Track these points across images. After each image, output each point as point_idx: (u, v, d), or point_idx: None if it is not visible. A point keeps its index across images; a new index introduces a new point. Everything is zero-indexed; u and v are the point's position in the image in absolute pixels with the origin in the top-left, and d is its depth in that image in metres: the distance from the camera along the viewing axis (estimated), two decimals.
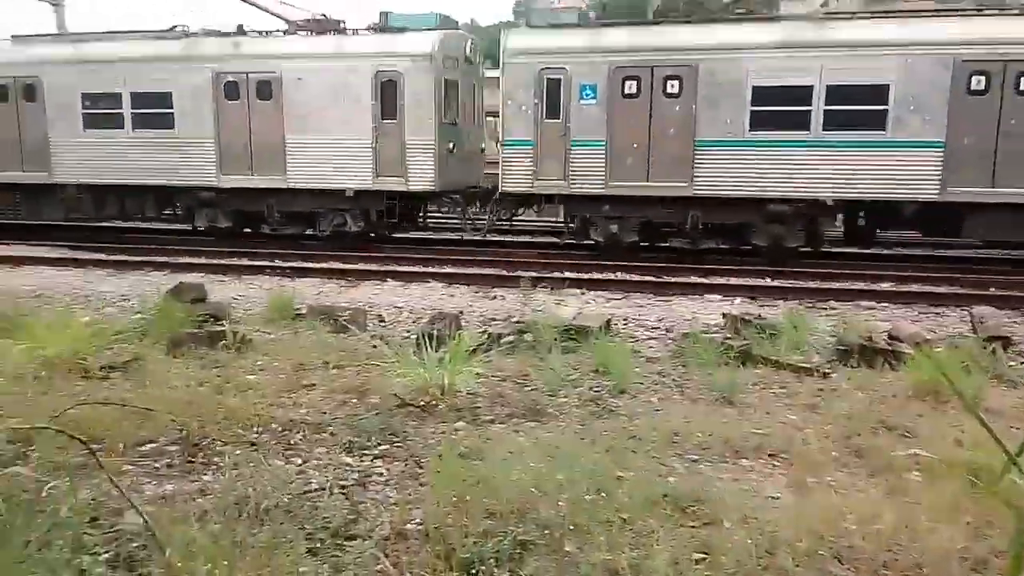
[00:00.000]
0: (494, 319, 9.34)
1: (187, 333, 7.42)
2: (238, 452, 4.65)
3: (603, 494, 3.91)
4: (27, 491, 3.78)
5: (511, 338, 7.57)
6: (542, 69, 14.21)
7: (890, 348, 7.31)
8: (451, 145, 15.53)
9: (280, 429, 5.10)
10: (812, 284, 12.02)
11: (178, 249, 15.20)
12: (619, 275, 12.56)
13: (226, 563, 3.11)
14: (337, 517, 3.77)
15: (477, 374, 5.99)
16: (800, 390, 6.28)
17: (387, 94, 15.10)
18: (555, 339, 7.35)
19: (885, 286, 11.83)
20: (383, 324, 9.15)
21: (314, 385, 6.13)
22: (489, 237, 16.49)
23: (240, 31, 16.51)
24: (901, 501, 3.96)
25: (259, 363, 6.76)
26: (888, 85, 12.78)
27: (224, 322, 8.14)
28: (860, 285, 11.85)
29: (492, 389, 6.02)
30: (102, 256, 14.03)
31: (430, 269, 13.07)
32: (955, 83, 12.52)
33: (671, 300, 10.80)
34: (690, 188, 13.76)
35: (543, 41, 14.49)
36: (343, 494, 4.13)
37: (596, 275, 12.54)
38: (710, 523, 3.70)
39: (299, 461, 4.61)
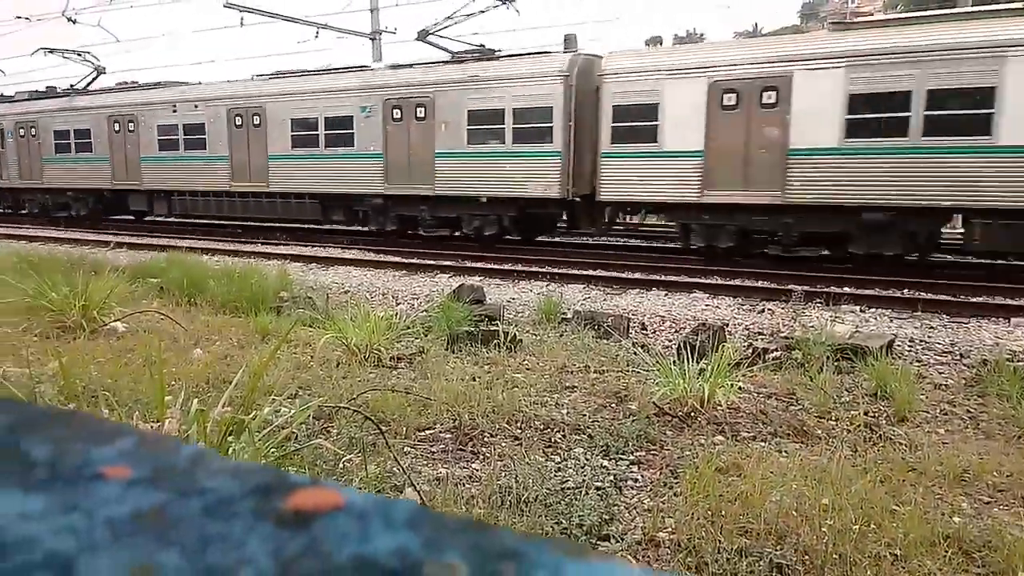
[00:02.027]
0: (760, 333, 8.98)
1: (465, 331, 8.03)
2: (503, 444, 4.97)
3: (873, 526, 3.63)
4: (327, 461, 4.38)
5: (778, 354, 7.24)
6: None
7: None
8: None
9: (542, 427, 5.36)
10: None
11: (462, 254, 16.42)
12: (906, 292, 11.43)
13: None
14: (592, 516, 3.89)
15: (739, 388, 5.83)
16: None
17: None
18: (827, 358, 6.91)
19: None
20: (645, 332, 9.20)
21: (575, 387, 6.35)
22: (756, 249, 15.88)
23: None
24: None
25: (526, 363, 7.13)
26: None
27: (498, 323, 8.70)
28: None
29: (754, 405, 5.82)
30: (398, 259, 15.59)
31: (695, 280, 12.85)
32: None
33: (968, 322, 9.62)
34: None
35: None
36: (599, 495, 4.25)
37: (879, 291, 11.52)
38: (999, 574, 3.28)
39: (558, 459, 4.81)
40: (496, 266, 14.57)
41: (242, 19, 22.59)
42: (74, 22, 25.40)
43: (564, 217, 18.11)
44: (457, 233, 18.20)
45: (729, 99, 14.08)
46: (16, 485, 0.31)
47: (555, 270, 13.82)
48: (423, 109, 17.55)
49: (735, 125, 14.06)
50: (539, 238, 18.75)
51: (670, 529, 3.75)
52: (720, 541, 3.53)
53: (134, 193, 23.44)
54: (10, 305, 8.74)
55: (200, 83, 22.73)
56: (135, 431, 0.36)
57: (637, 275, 13.34)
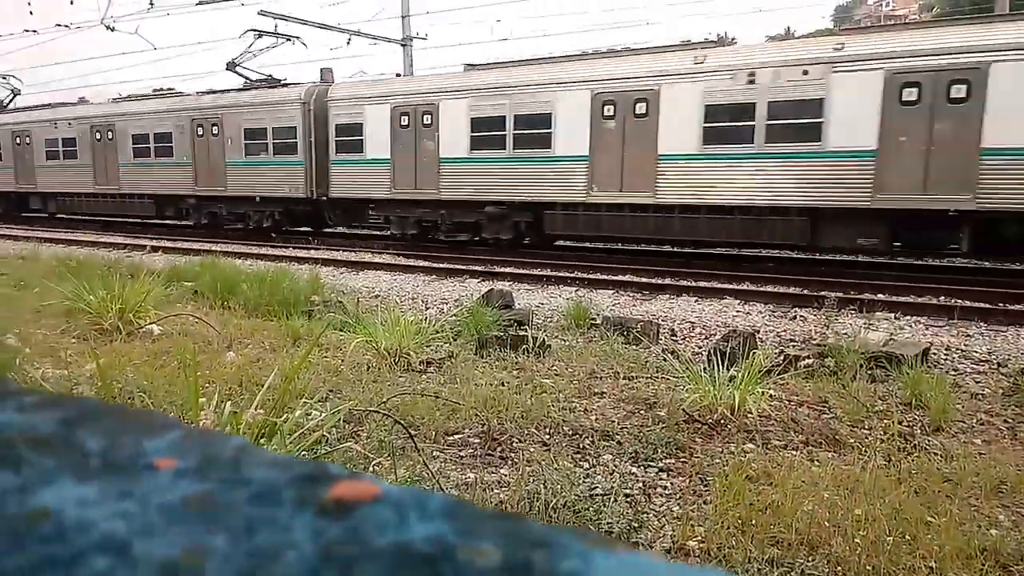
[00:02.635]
0: (792, 340, 8.89)
1: (493, 336, 8.06)
2: (531, 450, 4.98)
3: (908, 537, 3.57)
4: (357, 465, 4.41)
5: (809, 361, 7.16)
6: None
7: None
8: None
9: (570, 432, 5.35)
10: None
11: (491, 259, 16.49)
12: (942, 299, 11.23)
13: None
14: (620, 523, 3.88)
15: (770, 396, 5.78)
16: None
17: None
18: (860, 366, 6.82)
19: None
20: (674, 338, 9.15)
21: (604, 393, 6.33)
22: (783, 254, 15.78)
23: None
24: None
25: (554, 368, 7.13)
26: None
27: (527, 328, 8.71)
28: None
29: (786, 413, 5.76)
30: (427, 264, 15.68)
31: (725, 285, 12.76)
32: None
33: (1005, 331, 9.43)
34: None
35: None
36: (627, 502, 4.23)
37: (914, 298, 11.34)
38: None
39: (586, 465, 4.80)
40: (525, 271, 14.59)
41: (276, 26, 22.89)
42: (112, 30, 25.93)
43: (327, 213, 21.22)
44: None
45: (404, 119, 18.22)
46: (72, 474, 0.32)
47: (584, 275, 13.80)
48: (216, 127, 21.50)
49: (409, 138, 18.20)
50: (563, 243, 18.78)
51: (700, 537, 3.73)
52: (751, 550, 3.50)
53: (33, 195, 27.84)
54: (50, 308, 8.95)
55: (75, 103, 27.44)
56: (182, 425, 0.38)
57: (667, 281, 13.28)
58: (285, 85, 21.29)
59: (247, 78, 22.56)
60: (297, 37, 23.27)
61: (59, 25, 28.94)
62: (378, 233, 21.18)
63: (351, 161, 19.37)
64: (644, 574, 0.25)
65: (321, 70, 21.49)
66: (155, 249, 17.61)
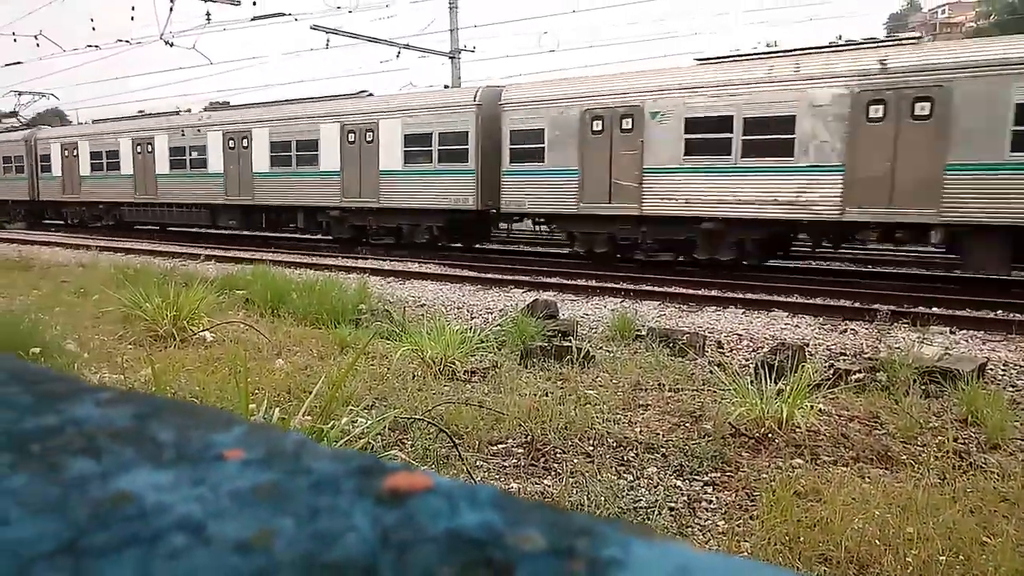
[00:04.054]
0: (842, 354, 8.71)
1: (538, 346, 8.07)
2: (575, 461, 4.97)
3: (962, 558, 3.48)
4: None
5: (860, 376, 7.01)
6: None
7: None
8: None
9: (614, 444, 5.33)
10: None
11: (536, 269, 16.51)
12: (1000, 313, 10.91)
13: None
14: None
15: (819, 410, 5.68)
16: None
17: None
18: (914, 381, 6.66)
19: None
20: (721, 351, 9.05)
21: (649, 405, 6.29)
22: (840, 267, 15.46)
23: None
24: None
25: (599, 379, 7.11)
26: None
27: (571, 338, 8.70)
28: None
29: (835, 428, 5.64)
30: (473, 274, 15.78)
31: (774, 297, 12.58)
32: None
33: None
34: None
35: None
36: (671, 515, 4.20)
37: (970, 312, 11.03)
38: None
39: (630, 477, 4.78)
40: (570, 281, 14.58)
41: (328, 41, 23.35)
42: (171, 45, 26.73)
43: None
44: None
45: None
46: (149, 463, 0.35)
47: (630, 286, 13.74)
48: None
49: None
50: (618, 255, 18.41)
51: (746, 553, 3.68)
52: (798, 568, 3.44)
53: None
54: (107, 315, 9.24)
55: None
56: (246, 420, 0.40)
57: (714, 292, 13.14)
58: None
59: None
60: None
61: (120, 40, 29.92)
62: (422, 243, 20.88)
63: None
64: (680, 562, 0.26)
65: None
66: (208, 258, 18.05)
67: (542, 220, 18.59)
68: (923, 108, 12.80)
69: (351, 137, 19.89)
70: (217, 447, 0.36)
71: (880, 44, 14.41)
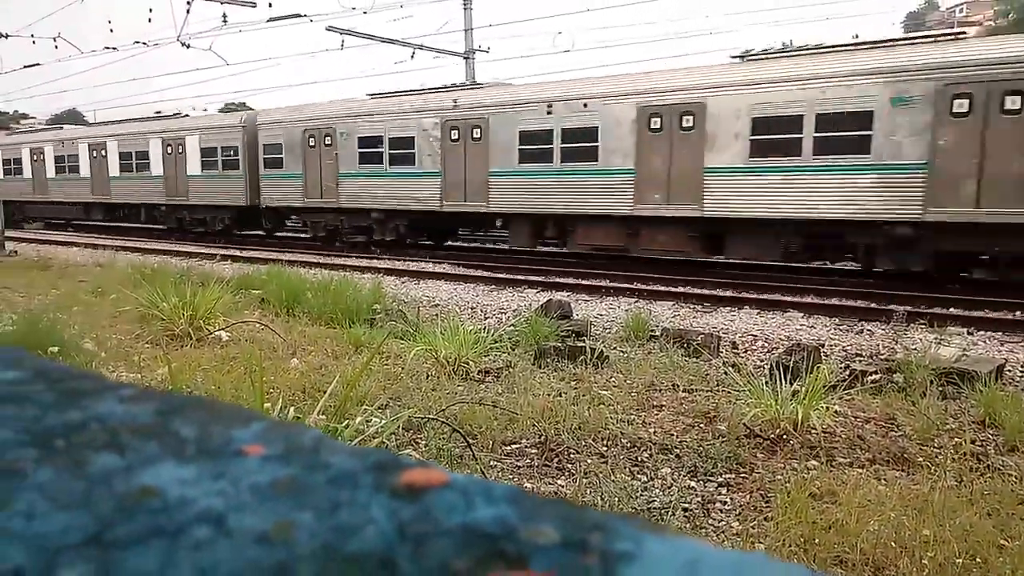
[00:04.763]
0: (858, 355, 8.66)
1: (551, 346, 8.07)
2: (589, 461, 4.97)
3: (979, 560, 3.45)
4: None
5: (877, 377, 6.97)
6: None
7: None
8: None
9: (628, 444, 5.32)
10: None
11: (550, 269, 16.51)
12: (1018, 314, 10.80)
13: None
14: None
15: (835, 412, 5.65)
16: None
17: None
18: (931, 382, 6.61)
19: None
20: (736, 351, 9.01)
21: (663, 406, 6.28)
22: (854, 267, 15.36)
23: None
24: None
25: (613, 380, 7.10)
26: None
27: (585, 339, 8.70)
28: None
29: (851, 430, 5.61)
30: (487, 274, 15.79)
31: (788, 298, 12.51)
32: None
33: None
34: None
35: None
36: (685, 516, 4.19)
37: (987, 312, 10.92)
38: None
39: (644, 478, 4.77)
40: (584, 282, 14.56)
41: (343, 42, 23.45)
42: (188, 47, 26.91)
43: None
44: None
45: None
46: (171, 457, 0.36)
47: (644, 287, 13.71)
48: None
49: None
50: (630, 255, 18.36)
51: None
52: (813, 569, 3.43)
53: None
54: (124, 314, 9.32)
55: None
56: (265, 417, 0.41)
57: (728, 293, 13.09)
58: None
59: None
60: None
61: (137, 42, 30.15)
62: (434, 244, 21.06)
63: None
64: (692, 556, 0.27)
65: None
66: (224, 258, 18.17)
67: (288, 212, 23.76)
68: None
69: (169, 149, 25.80)
70: (237, 443, 0.37)
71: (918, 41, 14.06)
